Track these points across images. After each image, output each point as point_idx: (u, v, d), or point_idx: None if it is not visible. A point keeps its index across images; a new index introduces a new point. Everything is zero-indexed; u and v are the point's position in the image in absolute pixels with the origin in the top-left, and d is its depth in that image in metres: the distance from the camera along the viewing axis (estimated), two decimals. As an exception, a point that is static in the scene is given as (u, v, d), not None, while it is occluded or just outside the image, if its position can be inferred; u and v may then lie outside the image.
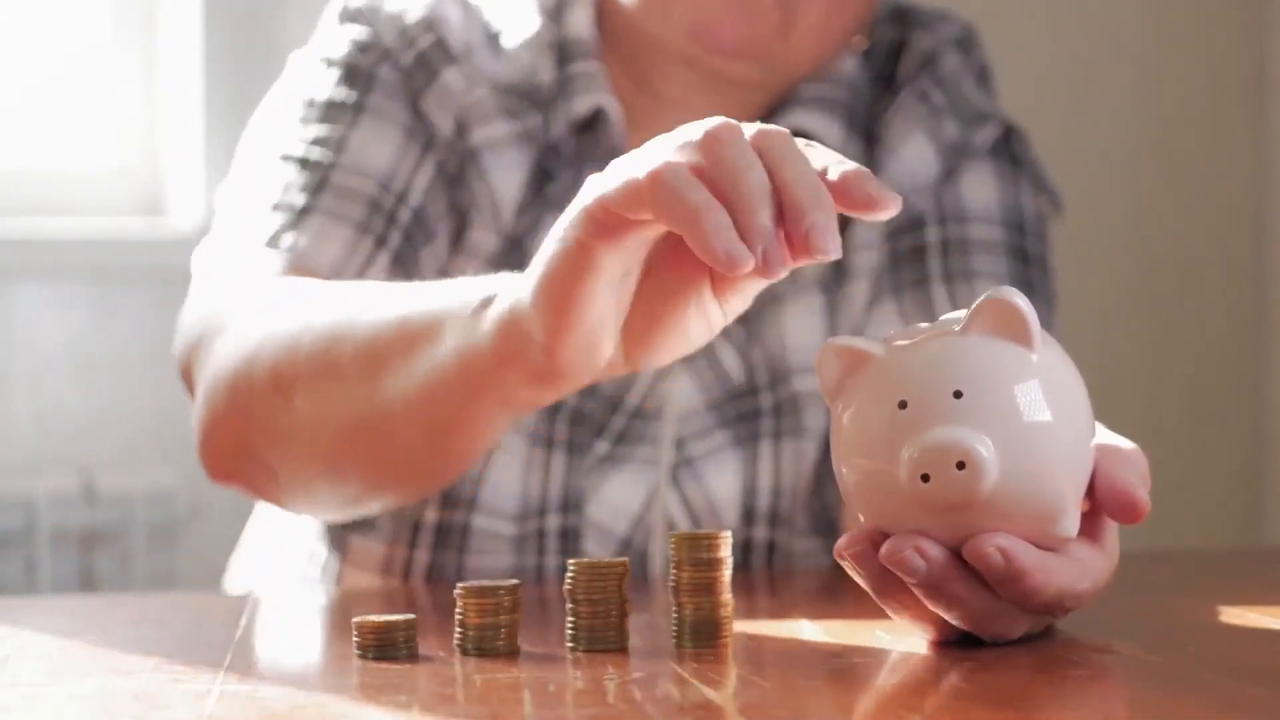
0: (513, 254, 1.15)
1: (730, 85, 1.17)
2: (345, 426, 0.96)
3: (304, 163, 1.12)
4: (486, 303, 0.88)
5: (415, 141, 1.14)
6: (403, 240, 1.12)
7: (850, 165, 0.79)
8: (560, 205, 1.15)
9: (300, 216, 1.10)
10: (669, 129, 1.19)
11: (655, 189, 0.78)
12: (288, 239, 1.09)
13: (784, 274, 0.77)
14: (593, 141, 1.17)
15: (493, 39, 1.19)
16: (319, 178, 1.12)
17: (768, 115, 1.19)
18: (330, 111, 1.14)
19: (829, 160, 0.79)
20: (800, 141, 0.80)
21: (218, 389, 1.01)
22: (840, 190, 0.78)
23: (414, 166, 1.14)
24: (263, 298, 1.04)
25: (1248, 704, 0.66)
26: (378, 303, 0.96)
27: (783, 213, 0.77)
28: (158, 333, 1.94)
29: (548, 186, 1.16)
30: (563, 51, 1.18)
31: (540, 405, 0.92)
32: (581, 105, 1.16)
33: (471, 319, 0.89)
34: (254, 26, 1.95)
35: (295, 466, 1.00)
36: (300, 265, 1.08)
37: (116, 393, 1.94)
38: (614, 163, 0.81)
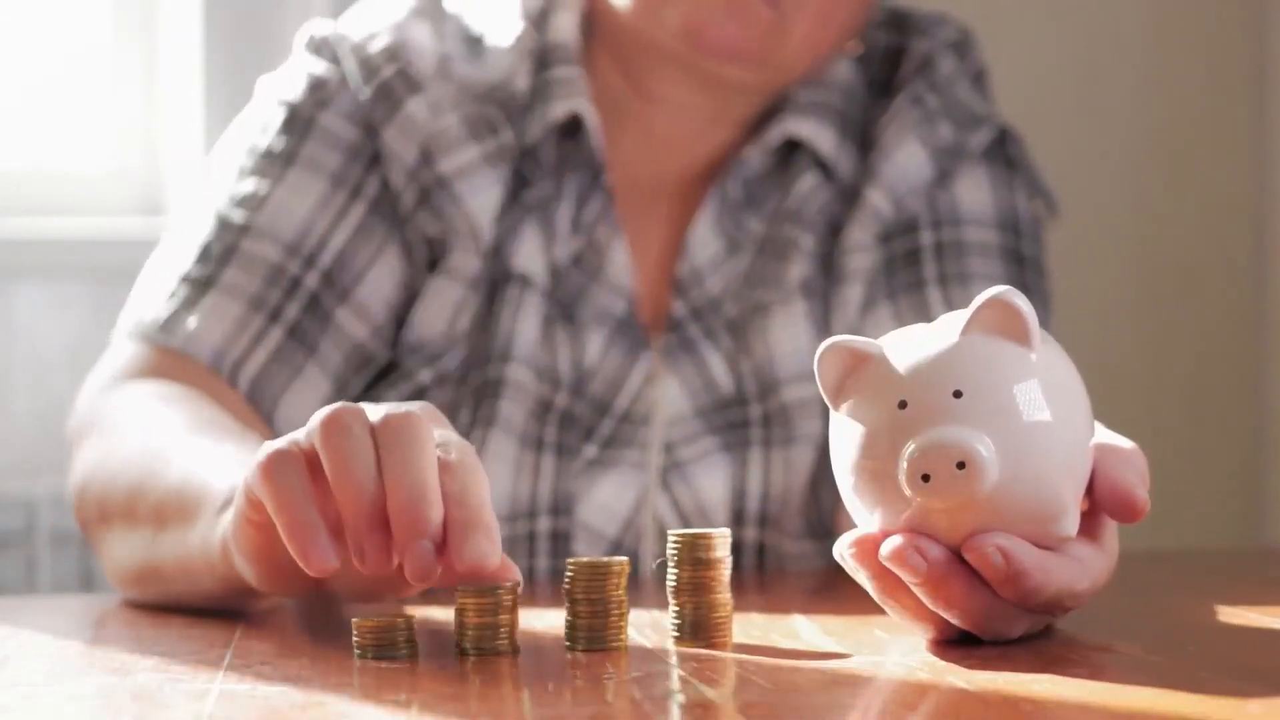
0: (492, 261, 1.15)
1: (723, 88, 1.17)
2: (135, 567, 1.00)
3: (223, 224, 1.15)
4: (226, 505, 0.90)
5: (342, 189, 1.15)
6: (303, 311, 1.14)
7: (473, 506, 0.77)
8: (537, 211, 1.15)
9: (200, 291, 1.13)
10: (661, 131, 1.20)
11: (262, 479, 0.79)
12: (180, 321, 1.12)
13: (385, 572, 0.77)
14: (572, 148, 1.17)
15: (474, 43, 1.19)
16: (229, 244, 1.14)
17: (761, 120, 1.19)
18: (261, 163, 1.16)
19: (458, 490, 0.78)
20: (441, 440, 0.79)
21: (74, 493, 1.09)
22: (450, 533, 0.77)
23: (335, 218, 1.15)
24: (117, 413, 1.08)
25: (1248, 704, 0.66)
26: (179, 457, 0.98)
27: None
28: (158, 333, 1.94)
29: (524, 193, 1.16)
30: (543, 57, 1.17)
31: (272, 598, 0.94)
32: (558, 111, 1.16)
33: (214, 518, 0.91)
34: (254, 27, 1.95)
35: (114, 583, 1.05)
36: (185, 353, 1.12)
37: (116, 393, 1.94)
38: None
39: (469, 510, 0.77)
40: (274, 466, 0.79)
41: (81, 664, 0.80)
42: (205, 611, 0.99)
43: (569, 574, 0.79)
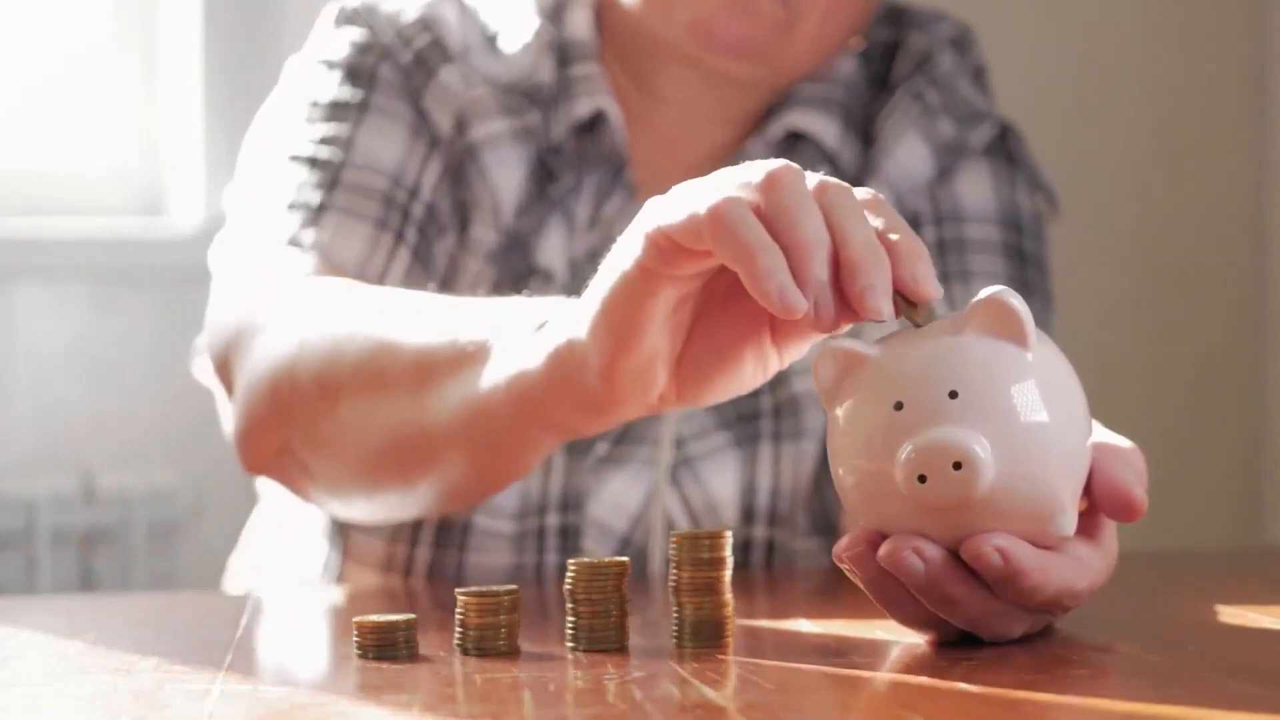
0: (514, 251, 1.15)
1: (729, 85, 1.17)
2: (389, 438, 0.96)
3: (314, 162, 1.13)
4: (540, 327, 0.87)
5: (421, 139, 1.15)
6: (419, 235, 1.12)
7: (910, 238, 0.77)
8: (562, 205, 1.15)
9: (318, 214, 1.10)
10: (668, 128, 1.20)
11: (714, 224, 0.76)
12: (309, 236, 1.10)
13: (841, 329, 0.77)
14: (593, 143, 1.17)
15: (490, 40, 1.19)
16: (331, 176, 1.12)
17: (766, 115, 1.19)
18: (336, 111, 1.15)
19: (889, 222, 0.78)
20: (861, 193, 0.79)
21: (258, 389, 1.02)
22: (893, 259, 0.77)
23: (422, 163, 1.14)
24: (300, 298, 1.04)
25: (1248, 704, 0.66)
26: (426, 316, 0.95)
27: (838, 267, 0.76)
28: (158, 333, 1.94)
29: (550, 186, 1.16)
30: (563, 53, 1.18)
31: (587, 434, 0.91)
32: (582, 108, 1.16)
33: (524, 343, 0.88)
34: (254, 27, 1.95)
35: (334, 471, 1.00)
36: (326, 262, 1.09)
37: (116, 393, 1.94)
38: (675, 189, 0.80)
39: (909, 240, 0.77)
40: (728, 210, 0.76)
41: (81, 664, 0.81)
42: (206, 611, 0.99)
43: (570, 574, 0.79)
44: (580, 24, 1.18)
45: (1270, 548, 1.95)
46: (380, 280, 1.10)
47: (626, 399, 0.84)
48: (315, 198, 1.11)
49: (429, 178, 1.14)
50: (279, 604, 1.02)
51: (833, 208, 0.77)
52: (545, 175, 1.17)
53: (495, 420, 0.90)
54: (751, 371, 0.85)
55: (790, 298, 0.75)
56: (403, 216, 1.12)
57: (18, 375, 1.92)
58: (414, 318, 0.95)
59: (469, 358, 0.91)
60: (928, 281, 0.77)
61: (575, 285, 1.14)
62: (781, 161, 0.78)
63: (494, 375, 0.89)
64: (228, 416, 1.07)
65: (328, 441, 0.99)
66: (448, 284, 1.14)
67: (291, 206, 1.11)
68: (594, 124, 1.17)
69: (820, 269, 0.76)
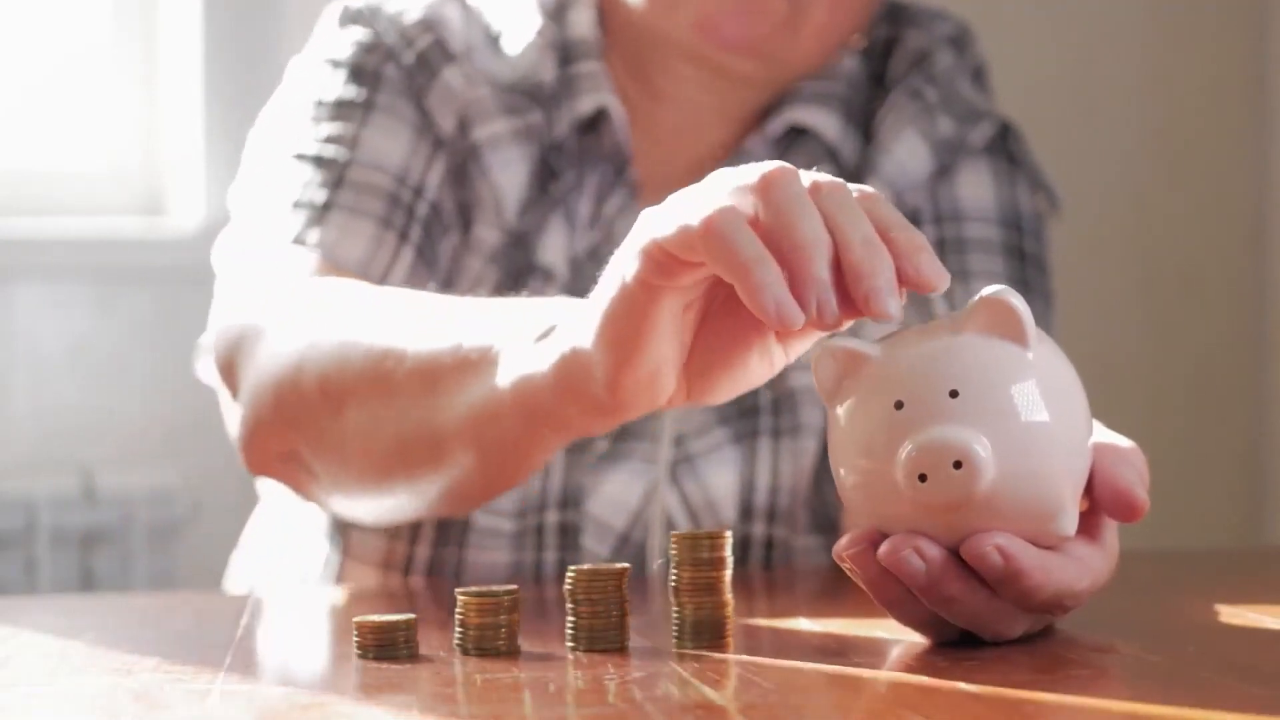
0: (516, 250, 1.15)
1: (732, 82, 1.17)
2: (396, 443, 0.96)
3: (319, 160, 1.13)
4: (546, 334, 0.87)
5: (425, 139, 1.15)
6: (423, 233, 1.12)
7: (910, 232, 0.77)
8: (565, 203, 1.16)
9: (322, 213, 1.10)
10: (670, 125, 1.20)
11: (708, 237, 0.76)
12: (314, 235, 1.10)
13: (844, 326, 0.76)
14: (596, 141, 1.17)
15: (493, 40, 1.19)
16: (336, 175, 1.12)
17: (767, 112, 1.19)
18: (340, 110, 1.15)
19: (888, 218, 0.78)
20: (856, 189, 0.78)
21: (263, 391, 1.02)
22: (895, 255, 0.76)
23: (426, 162, 1.14)
24: (304, 300, 1.04)
25: (1248, 704, 0.66)
26: (430, 320, 0.95)
27: (840, 267, 0.76)
28: (158, 333, 1.94)
29: (552, 185, 1.16)
30: (565, 51, 1.18)
31: (595, 434, 0.90)
32: (585, 105, 1.16)
33: (530, 350, 0.87)
34: (254, 27, 1.95)
35: (340, 474, 1.00)
36: (330, 261, 1.09)
37: (116, 393, 1.94)
38: (671, 198, 0.80)
39: (908, 233, 0.77)
40: (722, 223, 0.76)
41: (81, 664, 0.81)
42: (206, 611, 0.99)
43: (570, 577, 0.79)
44: (583, 22, 1.18)
45: (1270, 548, 1.95)
46: (384, 279, 1.10)
47: (634, 404, 0.84)
48: (320, 196, 1.11)
49: (434, 177, 1.14)
50: (279, 604, 1.02)
51: (830, 207, 0.77)
52: (547, 174, 1.17)
53: (502, 425, 0.90)
54: (758, 368, 0.84)
55: (786, 311, 0.75)
56: (408, 215, 1.12)
57: (18, 375, 1.92)
58: (418, 322, 0.95)
59: (474, 365, 0.91)
60: (932, 272, 0.76)
61: (576, 284, 1.15)
62: (776, 163, 0.78)
63: (500, 381, 0.89)
64: (232, 418, 1.07)
65: (333, 446, 0.99)
66: (450, 283, 1.14)
67: (296, 205, 1.11)
68: (596, 122, 1.17)
69: (821, 270, 0.75)
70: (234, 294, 1.09)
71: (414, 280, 1.11)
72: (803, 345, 0.84)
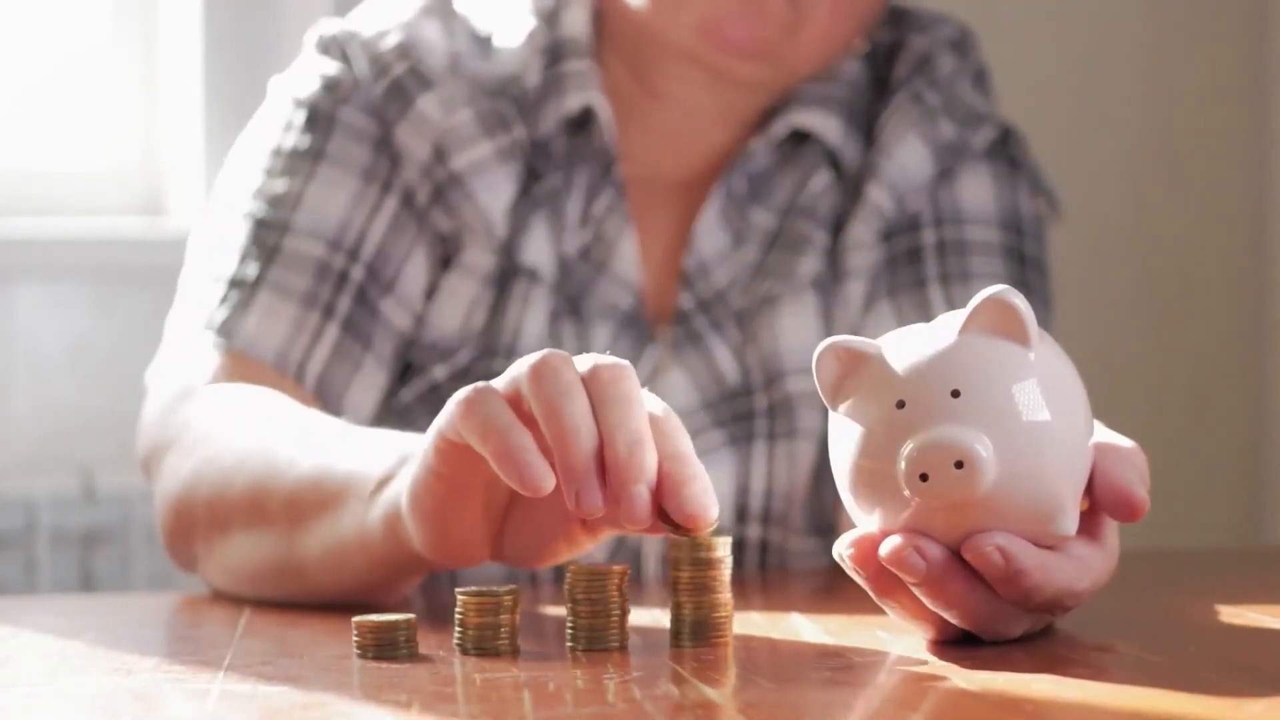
0: (507, 259, 1.15)
1: (733, 85, 1.17)
2: (269, 569, 0.99)
3: (260, 224, 1.15)
4: (384, 482, 0.91)
5: (373, 182, 1.16)
6: (354, 304, 1.14)
7: (683, 465, 0.78)
8: (547, 204, 1.16)
9: (250, 293, 1.13)
10: (668, 129, 1.20)
11: (464, 415, 0.79)
12: (238, 324, 1.12)
13: (599, 514, 0.77)
14: (584, 141, 1.17)
15: (483, 43, 1.19)
16: (272, 244, 1.14)
17: (769, 114, 1.19)
18: (290, 162, 1.16)
19: (668, 448, 0.78)
20: (651, 402, 0.79)
21: (166, 508, 1.07)
22: (661, 489, 0.77)
23: (370, 212, 1.15)
24: (207, 415, 1.07)
25: (1248, 704, 0.66)
26: (306, 450, 0.98)
27: (604, 461, 0.77)
28: (158, 333, 1.94)
29: (534, 186, 1.16)
30: (555, 51, 1.18)
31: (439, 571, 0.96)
32: (572, 103, 1.16)
33: (370, 499, 0.91)
34: (254, 27, 1.95)
35: (229, 587, 1.04)
36: (249, 356, 1.11)
37: (116, 393, 1.94)
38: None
39: (685, 463, 0.78)
40: (477, 402, 0.79)
41: (81, 664, 0.80)
42: (206, 611, 0.99)
43: (569, 576, 0.79)
44: (576, 22, 1.18)
45: (1270, 548, 1.95)
46: (303, 363, 1.12)
47: (456, 562, 0.88)
48: (252, 271, 1.13)
49: (376, 228, 1.15)
50: (279, 604, 1.02)
51: (601, 399, 0.78)
52: (533, 179, 1.17)
53: (354, 567, 0.94)
54: (565, 551, 0.87)
55: (531, 475, 0.77)
56: (336, 287, 1.14)
57: (18, 375, 1.92)
58: (295, 450, 0.99)
59: (330, 502, 0.94)
60: (697, 507, 0.77)
61: (565, 283, 1.15)
62: (550, 351, 0.80)
63: (346, 523, 0.93)
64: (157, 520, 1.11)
65: (220, 566, 1.03)
66: (390, 352, 1.15)
67: (231, 282, 1.14)
68: (584, 121, 1.17)
69: (580, 459, 0.77)
70: (157, 394, 1.13)
71: (338, 357, 1.13)
72: (607, 534, 0.86)
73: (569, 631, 0.80)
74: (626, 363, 0.80)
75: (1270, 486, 2.04)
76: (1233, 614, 0.87)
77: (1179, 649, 0.78)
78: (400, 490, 0.88)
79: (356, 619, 0.79)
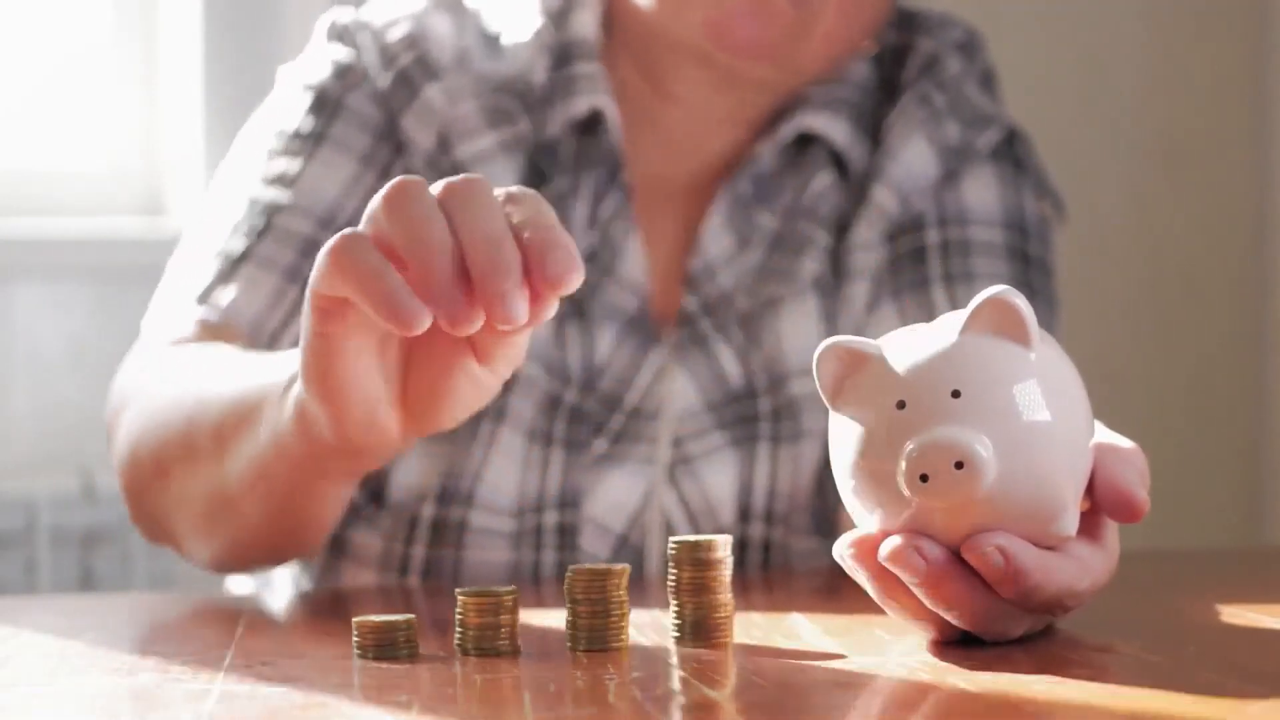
0: None
1: (741, 86, 1.17)
2: (203, 505, 1.00)
3: (256, 203, 1.16)
4: (290, 383, 0.90)
5: (372, 167, 1.17)
6: None
7: (544, 231, 0.77)
8: (555, 206, 1.15)
9: (235, 265, 1.13)
10: (676, 130, 1.20)
11: (335, 266, 0.79)
12: (217, 293, 1.13)
13: (472, 329, 0.76)
14: (592, 144, 1.17)
15: (491, 40, 1.19)
16: (264, 221, 1.15)
17: (777, 117, 1.19)
18: (293, 143, 1.17)
19: (526, 218, 0.78)
20: (502, 191, 0.79)
21: (122, 468, 1.07)
22: (526, 256, 0.77)
23: (365, 195, 1.16)
24: (160, 372, 1.08)
25: (1248, 704, 0.66)
26: (227, 380, 0.98)
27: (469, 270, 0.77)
28: (158, 333, 1.94)
29: (541, 188, 1.16)
30: (563, 52, 1.18)
31: (355, 477, 0.95)
32: (579, 106, 1.16)
33: (279, 401, 0.91)
34: (254, 27, 1.95)
35: (181, 538, 1.05)
36: (224, 321, 1.12)
37: (116, 393, 1.94)
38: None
39: (543, 231, 0.77)
40: (343, 248, 0.78)
41: (81, 664, 0.81)
42: (206, 611, 0.99)
43: (569, 577, 0.79)
44: (585, 23, 1.18)
45: (1270, 548, 1.95)
46: (276, 334, 1.13)
47: (365, 445, 0.88)
48: (239, 245, 1.14)
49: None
50: (279, 604, 1.02)
51: (453, 208, 0.78)
52: (537, 179, 1.17)
53: (274, 476, 0.94)
54: (469, 393, 0.87)
55: (404, 313, 0.76)
56: None
57: (18, 375, 1.92)
58: (219, 383, 0.99)
59: (247, 419, 0.94)
60: (559, 269, 0.76)
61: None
62: (404, 178, 0.79)
63: (263, 435, 0.93)
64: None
65: (167, 515, 1.04)
66: None
67: (217, 254, 1.14)
68: (592, 124, 1.18)
69: (438, 276, 0.76)
70: (129, 359, 1.14)
71: None
72: (509, 364, 0.86)
73: (569, 631, 0.80)
74: (480, 176, 0.79)
75: (1270, 486, 2.04)
76: (1233, 614, 0.87)
77: (1179, 649, 0.78)
78: (297, 385, 0.87)
79: (357, 619, 0.79)
